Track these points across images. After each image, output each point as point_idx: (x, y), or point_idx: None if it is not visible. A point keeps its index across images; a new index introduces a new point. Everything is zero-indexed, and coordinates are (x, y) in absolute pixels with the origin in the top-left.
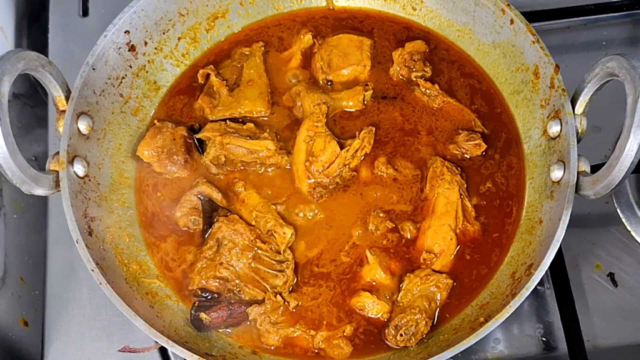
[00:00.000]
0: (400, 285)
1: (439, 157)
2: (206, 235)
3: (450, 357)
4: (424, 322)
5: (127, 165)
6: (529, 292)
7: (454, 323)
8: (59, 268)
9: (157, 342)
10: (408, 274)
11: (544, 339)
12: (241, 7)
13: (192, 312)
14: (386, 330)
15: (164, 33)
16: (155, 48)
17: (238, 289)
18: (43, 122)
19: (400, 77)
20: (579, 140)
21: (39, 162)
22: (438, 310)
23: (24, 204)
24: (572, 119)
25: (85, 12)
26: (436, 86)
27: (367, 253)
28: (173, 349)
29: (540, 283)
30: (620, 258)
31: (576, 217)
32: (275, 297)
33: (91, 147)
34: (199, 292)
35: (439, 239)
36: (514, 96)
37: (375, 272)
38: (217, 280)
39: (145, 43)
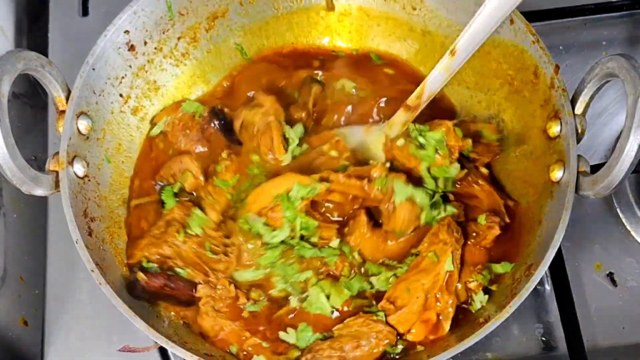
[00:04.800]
0: (346, 318)
1: (450, 217)
2: None
3: (450, 357)
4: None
5: (127, 165)
6: (528, 292)
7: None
8: (59, 268)
9: (156, 342)
10: (361, 312)
11: (543, 338)
12: (241, 7)
13: (130, 274)
14: (302, 352)
15: (163, 33)
16: (155, 48)
17: (177, 267)
18: (43, 122)
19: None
20: (578, 140)
21: (38, 162)
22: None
23: (24, 204)
24: (572, 119)
25: (85, 12)
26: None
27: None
28: (173, 349)
29: (540, 283)
30: (620, 258)
31: (576, 217)
32: (229, 285)
33: (91, 147)
34: (136, 270)
35: (406, 292)
36: (513, 96)
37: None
38: (159, 256)
39: (145, 43)
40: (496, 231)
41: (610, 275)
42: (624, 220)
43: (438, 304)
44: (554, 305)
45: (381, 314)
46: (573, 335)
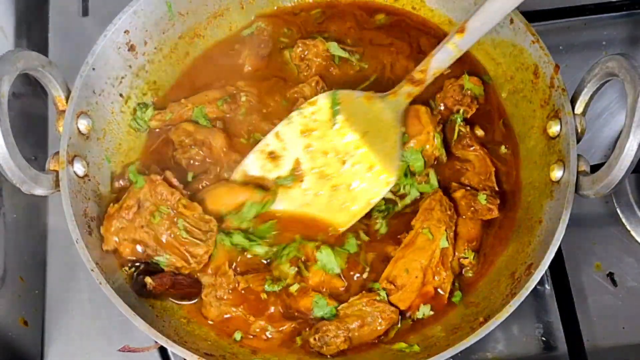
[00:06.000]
0: (351, 297)
1: (441, 191)
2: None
3: (450, 357)
4: (342, 339)
5: (127, 165)
6: (528, 292)
7: (453, 322)
8: (59, 268)
9: (156, 342)
10: (363, 291)
11: (543, 338)
12: (241, 7)
13: (135, 274)
14: (307, 328)
15: (163, 33)
16: (155, 48)
17: (156, 256)
18: (43, 122)
19: (444, 107)
20: (578, 140)
21: (38, 162)
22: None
23: (24, 204)
24: (572, 119)
25: (85, 12)
26: (467, 128)
27: (316, 253)
28: (173, 348)
29: (540, 283)
30: (620, 258)
31: (576, 217)
32: (229, 270)
33: (91, 146)
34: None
35: (404, 272)
36: (513, 96)
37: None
38: (135, 244)
39: (145, 43)
40: (495, 213)
41: (610, 275)
42: (624, 220)
43: (436, 278)
44: (554, 305)
45: (383, 293)
46: (573, 335)
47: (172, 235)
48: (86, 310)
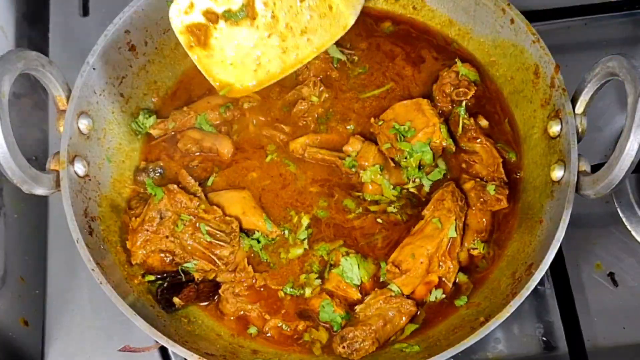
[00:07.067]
0: (365, 297)
1: (453, 182)
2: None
3: (451, 357)
4: (370, 342)
5: (127, 165)
6: (529, 292)
7: (454, 322)
8: (59, 268)
9: (157, 342)
10: (376, 289)
11: (544, 338)
12: None
13: (159, 291)
14: (334, 337)
15: (164, 33)
16: (156, 48)
17: (185, 262)
18: (43, 122)
19: (443, 94)
20: (579, 140)
21: (39, 162)
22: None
23: (25, 204)
24: (573, 119)
25: (85, 12)
26: (472, 120)
27: (341, 258)
28: (173, 348)
29: (541, 283)
30: (621, 258)
31: (576, 217)
32: (247, 266)
33: (91, 146)
34: (146, 272)
35: (410, 257)
36: (514, 95)
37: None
38: (162, 254)
39: (146, 43)
40: (504, 204)
41: (610, 275)
42: (624, 220)
43: (441, 267)
44: (555, 305)
45: (396, 288)
46: (574, 335)
47: (197, 241)
48: (86, 310)
